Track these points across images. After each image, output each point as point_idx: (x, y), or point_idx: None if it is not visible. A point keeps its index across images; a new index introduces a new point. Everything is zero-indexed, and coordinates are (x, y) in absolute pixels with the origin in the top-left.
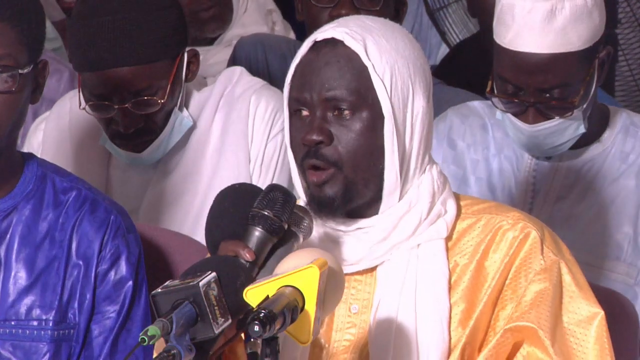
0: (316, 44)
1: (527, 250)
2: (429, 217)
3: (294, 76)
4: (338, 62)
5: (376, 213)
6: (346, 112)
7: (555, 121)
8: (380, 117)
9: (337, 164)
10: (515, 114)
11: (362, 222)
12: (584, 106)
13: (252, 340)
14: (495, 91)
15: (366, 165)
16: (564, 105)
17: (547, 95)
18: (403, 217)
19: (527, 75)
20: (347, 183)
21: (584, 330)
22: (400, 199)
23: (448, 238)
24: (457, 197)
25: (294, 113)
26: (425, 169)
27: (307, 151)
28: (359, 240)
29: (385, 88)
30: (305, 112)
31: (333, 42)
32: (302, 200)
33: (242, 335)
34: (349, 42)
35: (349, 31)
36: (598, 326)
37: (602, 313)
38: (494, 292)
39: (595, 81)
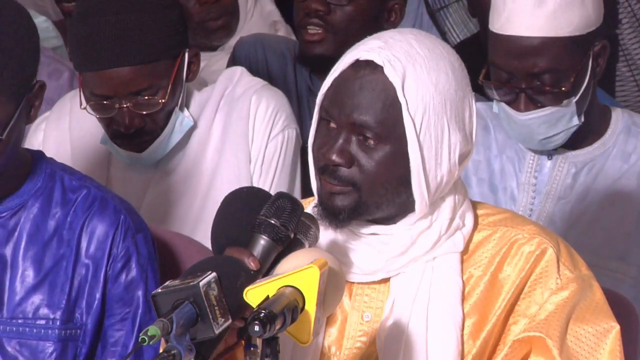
0: (357, 62)
1: (543, 267)
2: (448, 232)
3: (329, 88)
4: (373, 90)
5: (393, 222)
6: (370, 140)
7: (547, 110)
8: (405, 153)
9: (355, 185)
10: (508, 103)
11: (379, 229)
12: (577, 98)
13: (251, 349)
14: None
15: (383, 191)
16: (554, 92)
17: (538, 82)
18: (423, 232)
19: (518, 60)
20: (358, 202)
21: (598, 342)
22: None
23: (464, 250)
24: (474, 207)
25: (322, 120)
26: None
27: (326, 165)
28: (375, 251)
29: (415, 127)
30: (332, 125)
31: (373, 65)
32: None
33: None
34: (388, 70)
35: (392, 58)
36: (613, 340)
37: (617, 327)
38: (507, 306)
39: (589, 73)
